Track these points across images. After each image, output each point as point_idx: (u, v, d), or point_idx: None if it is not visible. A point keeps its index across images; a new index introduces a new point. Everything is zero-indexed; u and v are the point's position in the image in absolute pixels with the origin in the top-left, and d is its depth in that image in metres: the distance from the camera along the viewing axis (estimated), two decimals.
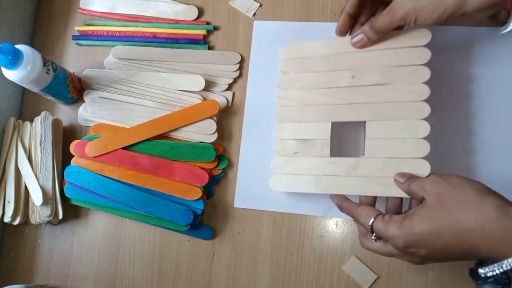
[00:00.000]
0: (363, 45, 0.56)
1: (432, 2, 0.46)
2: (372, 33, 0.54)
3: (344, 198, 0.53)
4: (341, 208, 0.52)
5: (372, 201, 0.53)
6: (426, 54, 0.56)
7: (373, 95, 0.57)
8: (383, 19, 0.51)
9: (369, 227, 0.46)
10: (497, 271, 0.39)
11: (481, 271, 0.40)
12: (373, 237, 0.47)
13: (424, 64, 0.57)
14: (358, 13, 0.56)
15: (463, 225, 0.39)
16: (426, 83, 0.56)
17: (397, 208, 0.52)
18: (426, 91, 0.56)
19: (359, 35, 0.56)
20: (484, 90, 0.62)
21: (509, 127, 0.61)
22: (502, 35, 0.54)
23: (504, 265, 0.38)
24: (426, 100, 0.56)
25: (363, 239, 0.50)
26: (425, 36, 0.57)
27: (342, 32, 0.57)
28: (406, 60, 0.57)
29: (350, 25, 0.56)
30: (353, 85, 0.58)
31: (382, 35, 0.54)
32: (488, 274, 0.40)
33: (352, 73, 0.58)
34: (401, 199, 0.52)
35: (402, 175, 0.50)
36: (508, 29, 0.47)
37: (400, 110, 0.56)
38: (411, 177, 0.49)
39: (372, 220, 0.46)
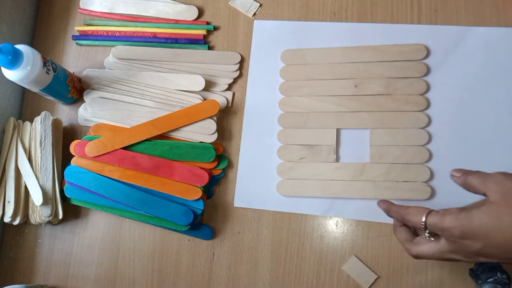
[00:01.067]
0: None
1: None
2: None
3: (391, 202, 0.51)
4: (389, 212, 0.50)
5: None
6: (422, 68, 0.62)
7: (375, 105, 0.63)
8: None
9: (423, 224, 0.45)
10: None
11: None
12: (426, 234, 0.46)
13: (421, 78, 0.62)
14: None
15: None
16: (423, 95, 0.62)
17: None
18: (423, 102, 0.62)
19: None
20: None
21: None
22: None
23: None
24: (424, 111, 0.62)
25: (410, 245, 0.48)
26: (420, 51, 0.61)
27: None
28: (404, 72, 0.63)
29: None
30: (357, 94, 0.63)
31: None
32: None
33: (354, 82, 0.62)
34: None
35: (458, 170, 0.49)
36: None
37: (401, 119, 0.62)
38: (467, 172, 0.48)
39: (425, 216, 0.44)
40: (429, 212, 0.45)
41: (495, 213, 0.41)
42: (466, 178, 0.46)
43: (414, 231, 0.49)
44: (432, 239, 0.45)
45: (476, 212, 0.41)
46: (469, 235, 0.41)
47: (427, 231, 0.45)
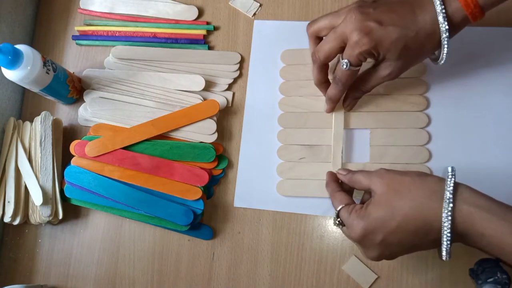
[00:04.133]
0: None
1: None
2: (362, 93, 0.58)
3: (335, 178, 0.55)
4: (326, 185, 0.55)
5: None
6: (422, 68, 0.62)
7: (375, 105, 0.63)
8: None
9: (336, 213, 0.49)
10: None
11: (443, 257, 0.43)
12: (337, 221, 0.49)
13: (421, 78, 0.62)
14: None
15: (414, 201, 0.43)
16: (424, 95, 0.62)
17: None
18: (423, 103, 0.62)
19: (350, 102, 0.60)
20: None
21: None
22: None
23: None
24: (424, 111, 0.62)
25: (335, 203, 0.52)
26: None
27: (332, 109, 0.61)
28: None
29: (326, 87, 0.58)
30: None
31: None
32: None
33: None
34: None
35: (344, 169, 0.53)
36: (442, 61, 0.51)
37: (401, 119, 0.62)
38: (353, 171, 0.52)
39: (340, 207, 0.48)
40: (346, 204, 0.48)
41: (384, 202, 0.44)
42: (352, 175, 0.51)
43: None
44: (342, 226, 0.49)
45: (371, 207, 0.45)
46: (369, 231, 0.45)
47: (338, 219, 0.49)
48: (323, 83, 0.57)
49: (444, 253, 0.43)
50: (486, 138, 0.61)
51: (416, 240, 0.44)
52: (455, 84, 0.63)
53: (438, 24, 0.47)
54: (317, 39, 0.54)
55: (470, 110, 0.62)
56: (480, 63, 0.63)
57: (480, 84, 0.62)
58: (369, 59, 0.50)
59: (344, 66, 0.50)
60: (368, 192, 0.50)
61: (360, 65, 0.51)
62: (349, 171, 0.52)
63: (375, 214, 0.44)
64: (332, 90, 0.56)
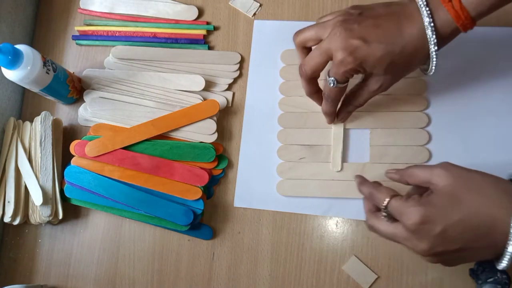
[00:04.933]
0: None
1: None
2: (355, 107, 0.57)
3: (365, 179, 0.52)
4: (361, 186, 0.51)
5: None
6: None
7: (375, 105, 0.62)
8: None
9: (384, 204, 0.45)
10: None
11: (502, 264, 0.41)
12: (383, 215, 0.46)
13: (421, 78, 0.62)
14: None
15: (484, 198, 0.40)
16: (423, 95, 0.62)
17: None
18: (423, 102, 0.62)
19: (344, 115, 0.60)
20: None
21: None
22: None
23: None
24: (424, 111, 0.62)
25: (371, 216, 0.48)
26: None
27: (331, 119, 0.60)
28: None
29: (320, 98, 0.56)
30: None
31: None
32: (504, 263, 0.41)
33: (354, 82, 0.61)
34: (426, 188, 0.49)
35: (393, 169, 0.50)
36: (431, 73, 0.49)
37: (401, 119, 0.62)
38: (402, 168, 0.48)
39: (389, 197, 0.44)
40: (395, 195, 0.45)
41: (450, 193, 0.41)
42: (406, 170, 0.47)
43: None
44: (388, 221, 0.45)
45: (434, 196, 0.42)
46: (429, 218, 0.41)
47: (385, 212, 0.45)
48: (314, 94, 0.56)
49: (506, 260, 0.41)
50: (486, 137, 0.61)
51: (473, 240, 0.41)
52: (455, 84, 0.63)
53: (426, 38, 0.45)
54: (305, 49, 0.53)
55: (470, 110, 0.62)
56: (480, 63, 0.63)
57: (480, 83, 0.62)
58: (357, 75, 0.50)
59: (331, 84, 0.50)
60: (419, 188, 0.47)
61: (346, 81, 0.50)
62: (399, 169, 0.48)
63: (438, 203, 0.41)
64: (325, 106, 0.56)
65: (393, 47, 0.46)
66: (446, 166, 0.43)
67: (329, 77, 0.50)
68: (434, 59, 0.47)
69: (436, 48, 0.46)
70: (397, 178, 0.48)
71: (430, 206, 0.41)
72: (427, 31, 0.45)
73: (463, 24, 0.45)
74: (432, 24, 0.45)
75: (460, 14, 0.45)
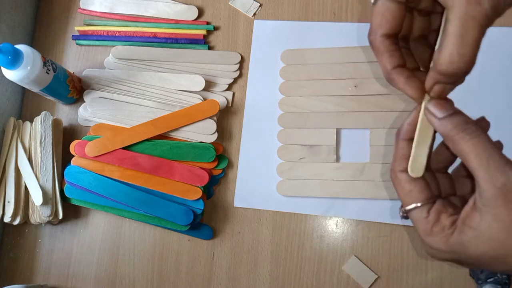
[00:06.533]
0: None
1: None
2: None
3: (408, 136, 0.35)
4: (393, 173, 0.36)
5: (448, 161, 0.37)
6: None
7: (375, 104, 0.62)
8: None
9: (405, 212, 0.34)
10: None
11: None
12: (400, 214, 0.35)
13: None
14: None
15: None
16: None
17: (448, 163, 0.37)
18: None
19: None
20: None
21: None
22: None
23: None
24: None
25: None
26: None
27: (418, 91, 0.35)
28: None
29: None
30: (356, 94, 0.63)
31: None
32: None
33: (354, 82, 0.62)
34: (454, 156, 0.37)
35: (442, 103, 0.34)
36: None
37: (401, 119, 0.61)
38: (454, 114, 0.33)
39: (413, 206, 0.33)
40: (423, 204, 0.32)
41: (496, 232, 0.29)
42: (461, 134, 0.34)
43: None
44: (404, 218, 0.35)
45: (472, 235, 0.30)
46: (456, 259, 0.32)
47: (403, 212, 0.35)
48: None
49: None
50: None
51: (495, 266, 0.31)
52: None
53: None
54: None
55: (470, 110, 0.62)
56: (480, 63, 0.63)
57: (480, 83, 0.62)
58: None
59: None
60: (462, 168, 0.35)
61: None
62: (450, 113, 0.33)
63: (474, 250, 0.30)
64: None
65: None
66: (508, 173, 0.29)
67: None
68: None
69: None
70: (441, 130, 0.34)
71: (468, 232, 0.30)
72: None
73: None
74: None
75: None
